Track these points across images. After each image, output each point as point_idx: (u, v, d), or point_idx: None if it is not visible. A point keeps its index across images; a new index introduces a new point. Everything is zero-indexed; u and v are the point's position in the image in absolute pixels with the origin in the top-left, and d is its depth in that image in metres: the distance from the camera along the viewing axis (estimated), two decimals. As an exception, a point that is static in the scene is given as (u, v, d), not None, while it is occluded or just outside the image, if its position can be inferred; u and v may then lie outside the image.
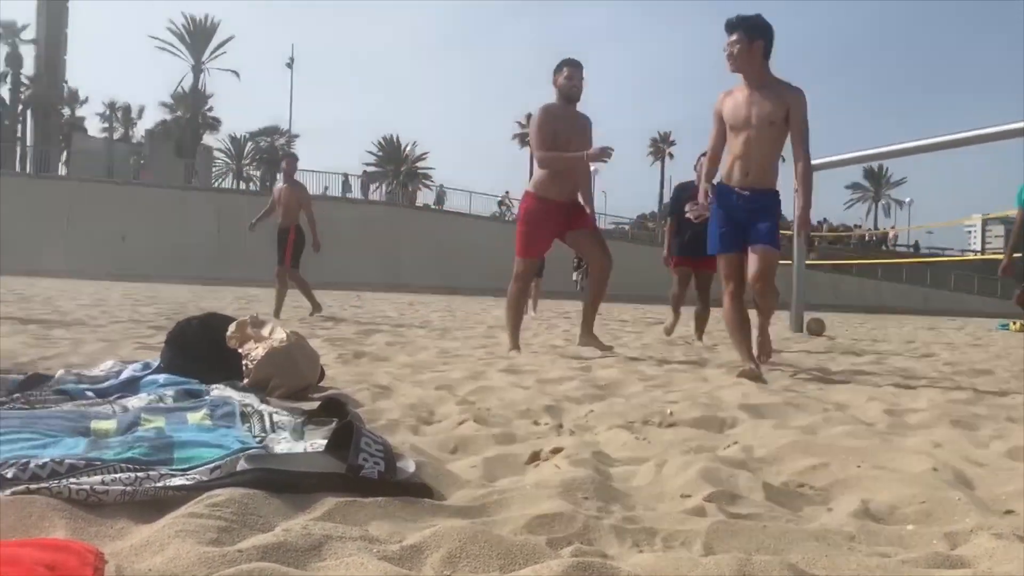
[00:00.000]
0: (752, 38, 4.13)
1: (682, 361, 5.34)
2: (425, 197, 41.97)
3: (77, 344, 4.69)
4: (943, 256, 47.43)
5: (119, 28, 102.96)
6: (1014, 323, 15.94)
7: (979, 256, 56.56)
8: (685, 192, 6.87)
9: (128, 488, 1.48)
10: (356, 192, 38.04)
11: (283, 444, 2.01)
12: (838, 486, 1.80)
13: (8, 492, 1.41)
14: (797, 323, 11.27)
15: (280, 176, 10.06)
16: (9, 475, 1.53)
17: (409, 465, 1.68)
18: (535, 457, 2.02)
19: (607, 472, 1.88)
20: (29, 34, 50.69)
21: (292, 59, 44.85)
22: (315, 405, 2.48)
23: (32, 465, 1.57)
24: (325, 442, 1.75)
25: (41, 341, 4.81)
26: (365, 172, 45.00)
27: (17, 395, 2.48)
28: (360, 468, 1.55)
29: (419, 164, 60.31)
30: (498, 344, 6.23)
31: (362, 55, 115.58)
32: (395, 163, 59.18)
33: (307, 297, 9.04)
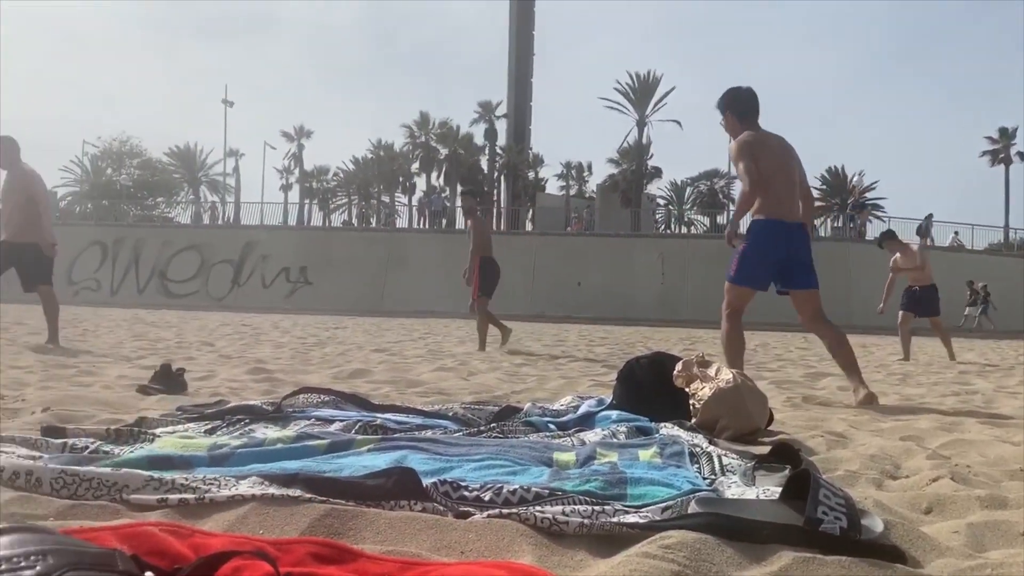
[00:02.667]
0: None
1: None
2: (875, 230, 38.95)
3: (542, 380, 5.16)
4: None
5: (573, 95, 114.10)
6: None
7: None
8: None
9: (586, 520, 1.53)
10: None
11: (733, 488, 1.95)
12: None
13: (485, 514, 1.55)
14: None
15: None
16: (486, 498, 1.69)
17: (876, 524, 1.50)
18: (1036, 528, 1.67)
19: None
20: (501, 110, 58.61)
21: (728, 101, 45.28)
22: (765, 449, 2.37)
23: (505, 490, 1.72)
24: (779, 490, 1.64)
25: (512, 377, 5.40)
26: (809, 207, 43.28)
27: (493, 425, 2.78)
28: (819, 522, 1.42)
29: (867, 195, 56.35)
30: (975, 392, 5.45)
31: (810, 85, 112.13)
32: (841, 195, 56.08)
33: (482, 330, 8.87)
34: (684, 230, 53.64)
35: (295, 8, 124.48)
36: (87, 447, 2.20)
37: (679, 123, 55.90)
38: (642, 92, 54.77)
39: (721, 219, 46.64)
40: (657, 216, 54.80)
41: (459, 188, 56.21)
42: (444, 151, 58.76)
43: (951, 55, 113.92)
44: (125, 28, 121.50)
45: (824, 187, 58.05)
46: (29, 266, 7.10)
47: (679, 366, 3.08)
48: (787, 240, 4.57)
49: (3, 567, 0.74)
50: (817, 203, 52.83)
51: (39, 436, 2.30)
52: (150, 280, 33.17)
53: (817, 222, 39.94)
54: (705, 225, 52.67)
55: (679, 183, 60.88)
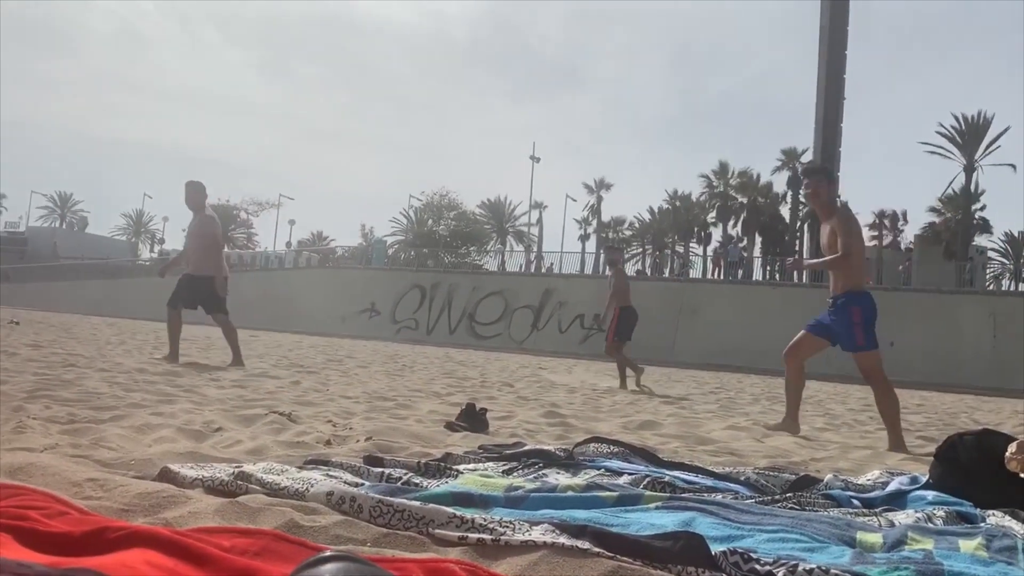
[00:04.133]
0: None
1: None
2: None
3: (845, 448, 4.79)
4: None
5: (886, 140, 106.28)
6: None
7: None
8: None
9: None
10: None
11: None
12: None
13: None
14: None
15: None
16: (779, 574, 1.60)
17: None
18: None
19: None
20: (806, 158, 56.03)
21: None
22: None
23: (800, 568, 1.61)
24: None
25: (812, 442, 5.07)
26: None
27: (789, 495, 2.62)
28: None
29: None
30: None
31: None
32: None
33: (620, 370, 10.05)
34: (1022, 287, 47.29)
35: (601, 68, 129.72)
36: (401, 478, 2.41)
37: (1014, 167, 49.51)
38: (970, 135, 49.64)
39: (1070, 275, 40.34)
40: (988, 271, 48.95)
41: (758, 238, 54.55)
42: (742, 200, 57.39)
43: None
44: (444, 90, 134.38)
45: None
46: (206, 296, 8.32)
47: (1013, 447, 2.69)
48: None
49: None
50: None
51: (362, 464, 2.57)
52: (460, 322, 35.86)
53: None
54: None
55: (1016, 235, 54.04)
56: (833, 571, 1.61)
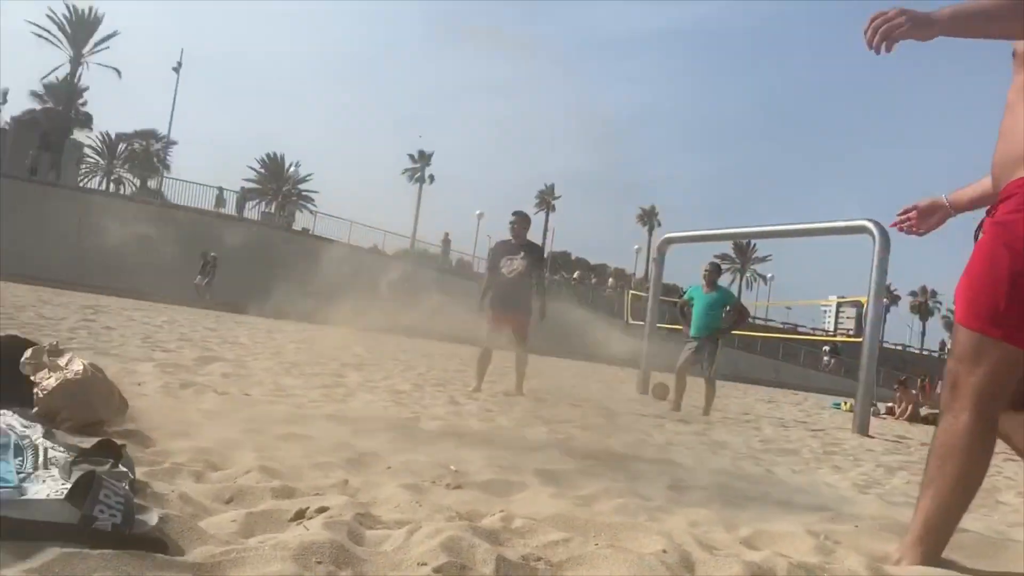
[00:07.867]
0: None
1: (518, 418, 5.46)
2: (305, 220, 41.01)
3: None
4: (797, 333, 50.36)
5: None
6: (845, 403, 17.11)
7: (830, 336, 60.31)
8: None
9: None
10: (231, 208, 36.89)
11: (47, 483, 1.98)
12: (571, 563, 1.92)
13: None
14: (643, 385, 11.74)
15: None
16: None
17: (151, 518, 1.70)
18: (300, 515, 2.07)
19: (361, 535, 1.94)
20: None
21: (180, 63, 42.90)
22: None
23: None
24: (67, 488, 1.75)
25: None
26: (243, 188, 43.44)
27: None
28: (94, 519, 1.57)
29: (302, 186, 59.37)
30: (340, 385, 6.20)
31: (257, 66, 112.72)
32: (277, 182, 58.14)
33: None
34: (112, 188, 49.90)
35: None
36: None
37: (118, 71, 51.39)
38: (81, 28, 49.63)
39: (153, 183, 44.37)
40: (82, 167, 50.07)
41: None
42: None
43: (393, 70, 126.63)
44: None
45: (262, 171, 59.51)
46: None
47: (29, 352, 2.96)
48: None
49: None
50: (252, 185, 54.16)
51: None
52: None
53: (248, 204, 40.64)
54: (135, 185, 49.94)
55: (112, 136, 56.76)
56: None
